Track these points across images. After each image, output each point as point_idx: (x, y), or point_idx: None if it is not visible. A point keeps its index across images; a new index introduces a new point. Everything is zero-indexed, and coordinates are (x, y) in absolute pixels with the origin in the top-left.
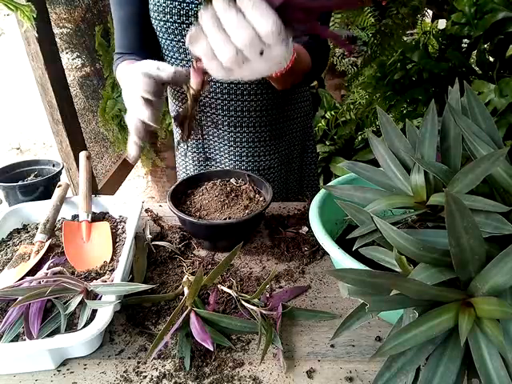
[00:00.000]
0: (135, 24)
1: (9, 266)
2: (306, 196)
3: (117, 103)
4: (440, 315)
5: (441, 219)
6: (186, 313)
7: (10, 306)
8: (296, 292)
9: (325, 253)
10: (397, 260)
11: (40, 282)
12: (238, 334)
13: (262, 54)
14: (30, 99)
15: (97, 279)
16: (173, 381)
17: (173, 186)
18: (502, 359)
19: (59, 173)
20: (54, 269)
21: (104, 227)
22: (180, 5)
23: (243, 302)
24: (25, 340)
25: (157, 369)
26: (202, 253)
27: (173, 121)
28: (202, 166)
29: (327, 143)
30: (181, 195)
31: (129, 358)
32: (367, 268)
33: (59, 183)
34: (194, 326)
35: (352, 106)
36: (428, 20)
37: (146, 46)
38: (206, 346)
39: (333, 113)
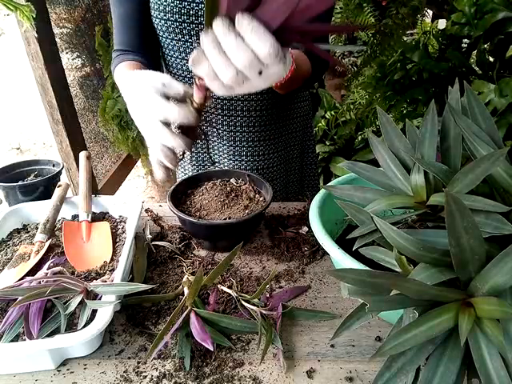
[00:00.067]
0: (135, 21)
1: (9, 266)
2: (306, 196)
3: (117, 103)
4: (440, 315)
5: (441, 219)
6: (186, 313)
7: (9, 306)
8: (296, 292)
9: (325, 253)
10: (397, 260)
11: (40, 282)
12: (238, 333)
13: (260, 73)
14: (30, 99)
15: (97, 279)
16: (173, 381)
17: (173, 186)
18: (502, 359)
19: (59, 173)
20: (54, 269)
21: (104, 227)
22: (181, 3)
23: (243, 302)
24: (25, 340)
25: (157, 369)
26: (202, 253)
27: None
28: (200, 166)
29: (327, 143)
30: (181, 195)
31: (129, 358)
32: (367, 268)
33: (59, 183)
34: (194, 325)
35: (352, 106)
36: (428, 20)
37: (146, 43)
38: (206, 346)
39: (333, 113)
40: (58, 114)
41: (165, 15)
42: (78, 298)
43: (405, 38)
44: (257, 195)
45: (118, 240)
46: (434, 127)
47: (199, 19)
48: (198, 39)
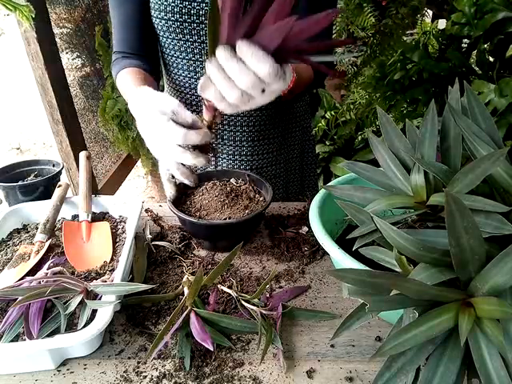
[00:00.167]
0: (135, 22)
1: (9, 266)
2: (306, 196)
3: (117, 103)
4: (440, 315)
5: (441, 219)
6: (186, 313)
7: (9, 306)
8: (296, 292)
9: (325, 253)
10: (397, 260)
11: (40, 282)
12: (238, 333)
13: (263, 91)
14: (30, 99)
15: (97, 279)
16: (173, 381)
17: None
18: (502, 359)
19: (59, 173)
20: (54, 269)
21: (104, 227)
22: (182, 3)
23: (243, 302)
24: (25, 340)
25: (157, 369)
26: (202, 253)
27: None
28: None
29: (327, 143)
30: (181, 195)
31: (129, 358)
32: (367, 268)
33: (59, 183)
34: (194, 325)
35: (352, 106)
36: (428, 20)
37: (145, 44)
38: (206, 346)
39: (333, 113)
40: (58, 114)
41: (165, 15)
42: (78, 298)
43: (405, 38)
44: (257, 195)
45: (117, 240)
46: (434, 127)
47: (200, 19)
48: (199, 39)
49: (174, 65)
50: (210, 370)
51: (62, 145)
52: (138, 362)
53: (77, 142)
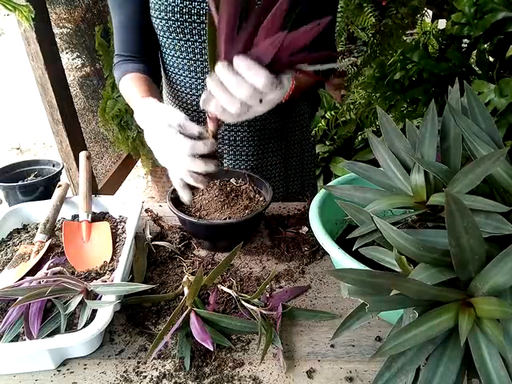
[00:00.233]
0: (136, 23)
1: (9, 266)
2: (305, 196)
3: (117, 103)
4: (440, 315)
5: (441, 219)
6: (186, 313)
7: (9, 306)
8: (296, 292)
9: (325, 253)
10: (397, 260)
11: (40, 282)
12: (238, 333)
13: (261, 101)
14: (30, 99)
15: (97, 279)
16: (173, 381)
17: (173, 186)
18: (502, 359)
19: (59, 173)
20: (54, 269)
21: (104, 227)
22: (183, 3)
23: (243, 302)
24: (25, 340)
25: (157, 369)
26: (202, 253)
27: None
28: None
29: (327, 143)
30: None
31: (129, 358)
32: (367, 268)
33: (59, 183)
34: (194, 325)
35: (352, 106)
36: (428, 20)
37: (146, 46)
38: (206, 346)
39: (333, 113)
40: (58, 114)
41: (166, 15)
42: (78, 298)
43: (405, 38)
44: (257, 195)
45: (117, 240)
46: (434, 127)
47: (201, 18)
48: (200, 38)
49: (175, 65)
50: (209, 370)
51: (61, 145)
52: (138, 362)
53: (77, 142)
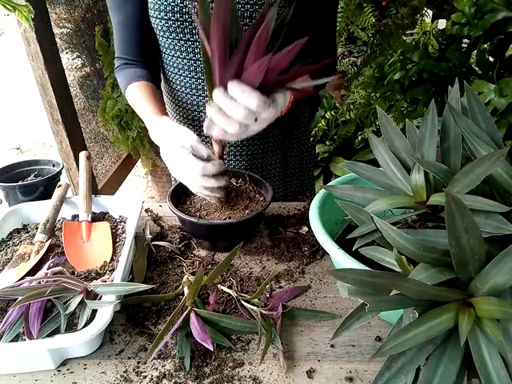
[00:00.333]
0: (136, 24)
1: (9, 266)
2: (305, 196)
3: (117, 103)
4: (440, 315)
5: (441, 219)
6: (186, 313)
7: (9, 306)
8: (296, 292)
9: (325, 253)
10: (397, 260)
11: (40, 282)
12: (238, 333)
13: (256, 120)
14: (30, 99)
15: (97, 279)
16: (173, 381)
17: (173, 186)
18: (502, 359)
19: (59, 173)
20: (54, 269)
21: (104, 227)
22: (182, 2)
23: (243, 302)
24: (25, 340)
25: (157, 369)
26: (202, 253)
27: None
28: None
29: (327, 143)
30: (181, 195)
31: (129, 358)
32: (367, 268)
33: (59, 183)
34: (194, 325)
35: (352, 106)
36: (428, 20)
37: (147, 47)
38: (206, 345)
39: (333, 113)
40: (58, 114)
41: (165, 15)
42: (78, 298)
43: (405, 38)
44: (257, 195)
45: (117, 240)
46: (434, 127)
47: None
48: (199, 38)
49: (175, 65)
50: (209, 370)
51: (62, 145)
52: (138, 362)
53: (77, 142)
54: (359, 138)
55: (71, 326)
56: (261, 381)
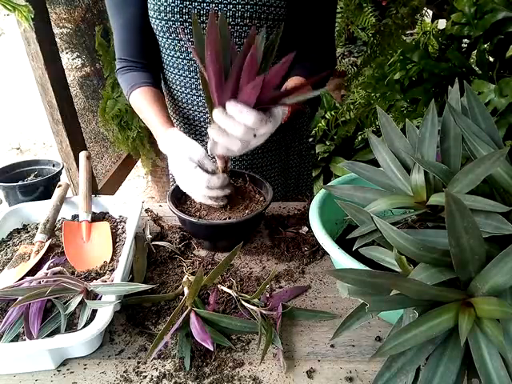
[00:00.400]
0: (136, 26)
1: (9, 266)
2: (305, 196)
3: (117, 103)
4: (440, 315)
5: (441, 219)
6: (186, 313)
7: (9, 306)
8: (296, 292)
9: (325, 253)
10: (397, 260)
11: (40, 282)
12: (238, 333)
13: (255, 135)
14: (30, 99)
15: (97, 279)
16: (173, 381)
17: (173, 186)
18: (502, 359)
19: (59, 173)
20: (54, 269)
21: (104, 227)
22: (182, 3)
23: (243, 302)
24: (25, 340)
25: (157, 369)
26: (202, 253)
27: None
28: None
29: (327, 143)
30: (181, 195)
31: (129, 358)
32: (367, 268)
33: (59, 183)
34: (194, 325)
35: (352, 106)
36: (428, 20)
37: (147, 48)
38: (206, 345)
39: (333, 113)
40: (58, 114)
41: (165, 15)
42: (78, 298)
43: (405, 38)
44: (257, 195)
45: (117, 240)
46: (434, 127)
47: (201, 18)
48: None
49: (174, 65)
50: (209, 370)
51: (62, 145)
52: (138, 362)
53: (77, 142)
54: (359, 137)
55: (71, 326)
56: (261, 381)
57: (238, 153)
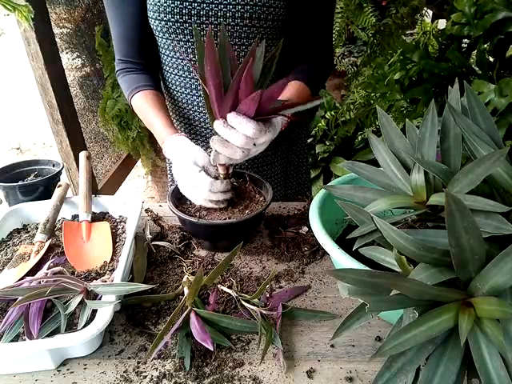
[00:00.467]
0: (134, 25)
1: (9, 266)
2: (305, 196)
3: (117, 103)
4: (440, 315)
5: (441, 219)
6: (186, 313)
7: (9, 306)
8: (296, 292)
9: (325, 253)
10: (397, 260)
11: (40, 282)
12: (238, 333)
13: (255, 144)
14: (30, 99)
15: (97, 279)
16: (173, 381)
17: (173, 186)
18: (502, 359)
19: (59, 173)
20: (54, 269)
21: (104, 227)
22: (182, 4)
23: (243, 302)
24: (25, 340)
25: (157, 369)
26: (202, 253)
27: None
28: None
29: (327, 143)
30: (181, 195)
31: (129, 358)
32: (367, 268)
33: (59, 183)
34: (194, 325)
35: (352, 106)
36: (428, 20)
37: (146, 47)
38: (206, 346)
39: (333, 113)
40: (58, 114)
41: (165, 16)
42: (78, 298)
43: (405, 38)
44: (257, 195)
45: (117, 240)
46: (434, 127)
47: (201, 19)
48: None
49: (174, 66)
50: (209, 370)
51: (62, 145)
52: (138, 362)
53: (77, 142)
54: (359, 137)
55: (71, 326)
56: (261, 381)
57: (240, 161)
